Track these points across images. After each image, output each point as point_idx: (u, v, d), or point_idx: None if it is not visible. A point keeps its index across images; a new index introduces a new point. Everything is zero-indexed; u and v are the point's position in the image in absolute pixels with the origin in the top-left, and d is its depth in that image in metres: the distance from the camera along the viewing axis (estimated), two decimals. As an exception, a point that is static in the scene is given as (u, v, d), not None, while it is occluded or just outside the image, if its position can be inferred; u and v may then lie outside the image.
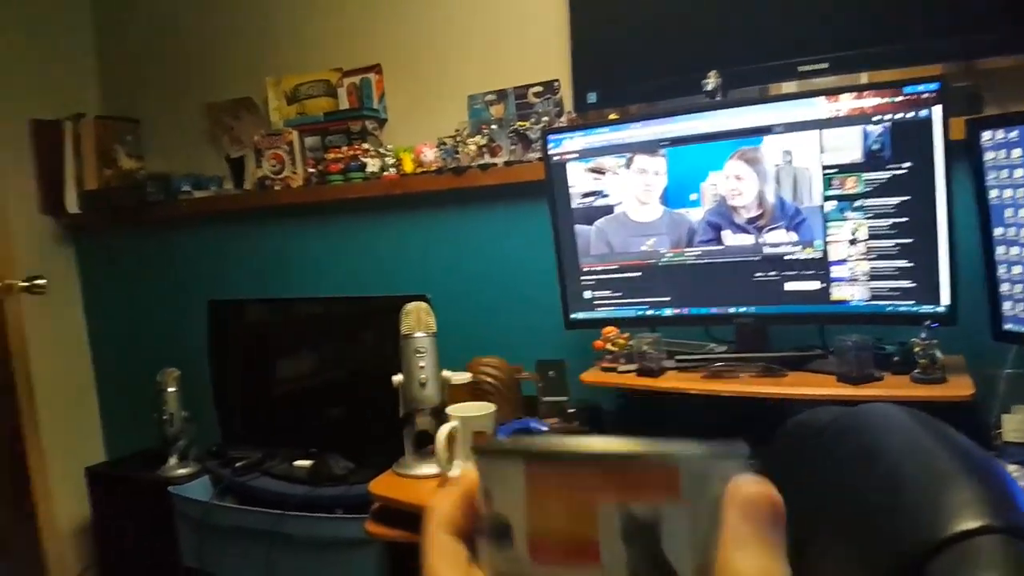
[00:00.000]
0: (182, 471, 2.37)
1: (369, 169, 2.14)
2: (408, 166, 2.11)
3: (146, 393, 2.41)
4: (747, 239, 1.58)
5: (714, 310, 1.65)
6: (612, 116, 1.84)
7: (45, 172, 2.66)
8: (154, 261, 2.73)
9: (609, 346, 1.67)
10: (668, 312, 1.69)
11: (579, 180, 1.73)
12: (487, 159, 2.00)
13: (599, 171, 1.70)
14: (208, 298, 2.41)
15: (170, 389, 2.44)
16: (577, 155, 1.72)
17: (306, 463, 2.05)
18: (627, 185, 1.68)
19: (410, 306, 1.61)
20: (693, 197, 1.62)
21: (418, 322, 1.60)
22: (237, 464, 2.07)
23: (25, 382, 2.68)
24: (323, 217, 2.34)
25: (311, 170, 2.26)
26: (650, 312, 1.71)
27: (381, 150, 2.15)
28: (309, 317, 2.29)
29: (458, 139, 2.02)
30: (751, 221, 1.57)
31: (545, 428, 1.76)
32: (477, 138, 2.01)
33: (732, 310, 1.62)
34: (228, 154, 2.58)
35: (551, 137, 1.75)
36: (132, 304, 2.81)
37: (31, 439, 2.70)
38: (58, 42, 2.74)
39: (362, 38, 2.29)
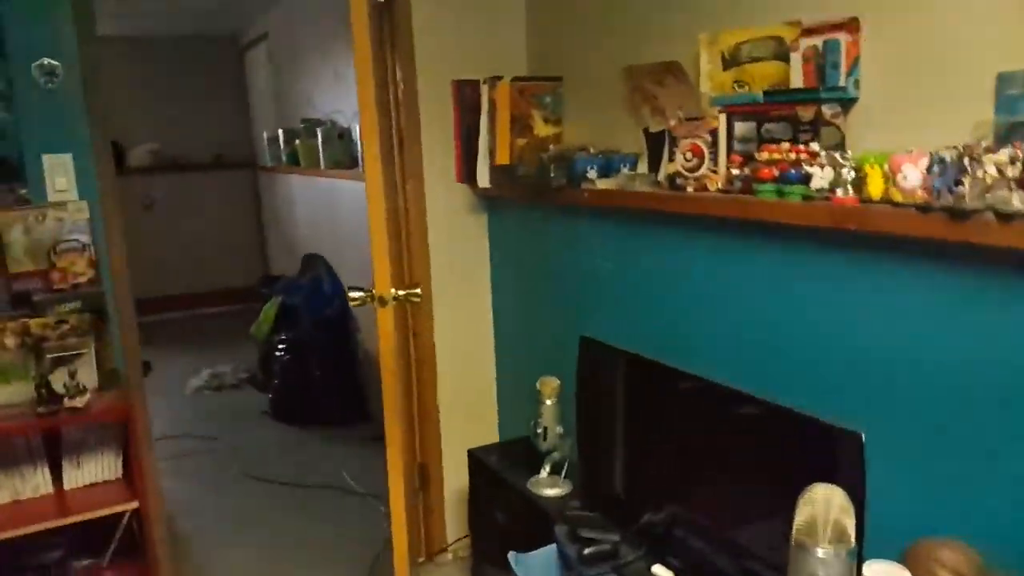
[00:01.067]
0: (550, 492, 2.13)
1: (815, 184, 1.42)
2: (875, 187, 1.34)
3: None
4: None
5: None
6: None
7: (463, 139, 2.51)
8: (557, 244, 2.41)
9: None
10: None
11: None
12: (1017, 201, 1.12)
13: None
14: (584, 314, 2.01)
15: (547, 401, 2.17)
16: None
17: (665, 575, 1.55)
18: None
19: (818, 493, 0.95)
20: None
21: (825, 524, 0.93)
22: (586, 551, 1.66)
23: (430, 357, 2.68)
24: (744, 242, 1.70)
25: (735, 171, 1.62)
26: None
27: (839, 155, 1.40)
28: (692, 394, 1.70)
29: (968, 155, 1.18)
30: None
31: None
32: (1003, 155, 1.15)
33: None
34: (647, 127, 2.07)
35: None
36: (532, 284, 2.56)
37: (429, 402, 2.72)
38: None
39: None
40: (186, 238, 6.33)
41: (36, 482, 2.06)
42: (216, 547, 2.97)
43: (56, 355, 2.03)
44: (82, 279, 2.16)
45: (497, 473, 2.33)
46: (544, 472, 2.20)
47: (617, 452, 1.88)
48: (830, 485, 1.04)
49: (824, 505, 0.98)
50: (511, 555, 1.76)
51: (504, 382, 2.81)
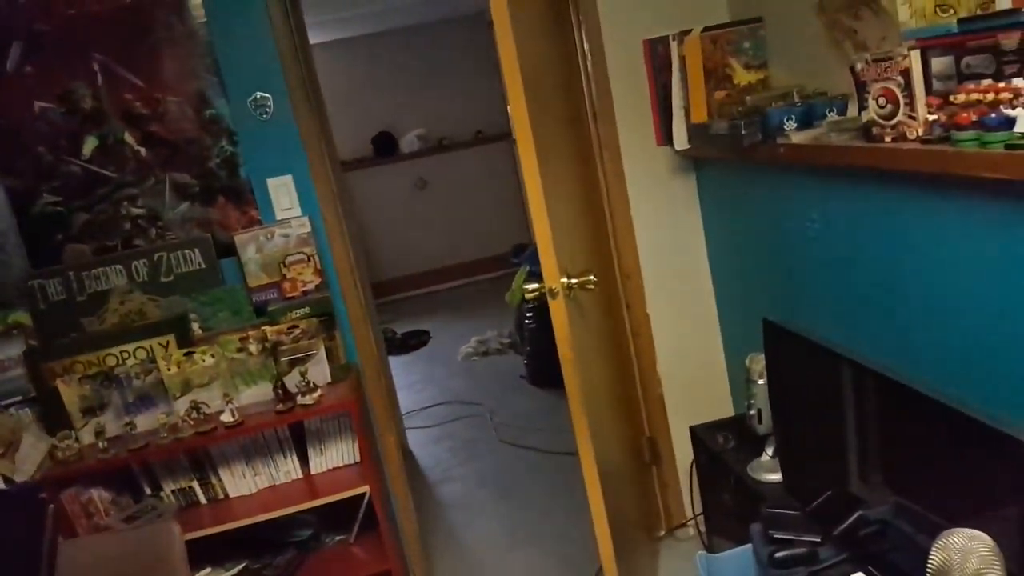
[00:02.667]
0: (770, 477, 1.96)
1: (1020, 128, 1.04)
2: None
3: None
4: None
5: None
6: None
7: (659, 100, 2.30)
8: (760, 207, 2.12)
9: None
10: None
11: None
12: None
13: None
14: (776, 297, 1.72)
15: (760, 381, 1.95)
16: None
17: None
18: None
19: (956, 540, 0.77)
20: None
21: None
22: (777, 555, 1.46)
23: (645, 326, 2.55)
24: (947, 201, 1.33)
25: (932, 116, 1.25)
26: None
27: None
28: (892, 400, 1.38)
29: None
30: None
31: None
32: None
33: None
34: (853, 65, 1.71)
35: None
36: (742, 252, 2.30)
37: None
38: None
39: None
40: (456, 212, 6.76)
41: (287, 468, 2.35)
42: (468, 513, 3.17)
43: (290, 357, 2.28)
44: (310, 286, 2.39)
45: (717, 454, 2.18)
46: (766, 455, 2.00)
47: (817, 445, 1.62)
48: (976, 533, 0.81)
49: (961, 556, 0.75)
50: (699, 556, 1.62)
51: (733, 353, 2.59)
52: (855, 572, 1.40)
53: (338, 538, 2.44)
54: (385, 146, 6.64)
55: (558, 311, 1.83)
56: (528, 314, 4.35)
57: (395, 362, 4.79)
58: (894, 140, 1.37)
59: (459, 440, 3.90)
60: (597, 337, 2.32)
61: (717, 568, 1.58)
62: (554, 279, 1.82)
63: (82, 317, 2.30)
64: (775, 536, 1.50)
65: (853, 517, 1.45)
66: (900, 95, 1.32)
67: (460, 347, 5.19)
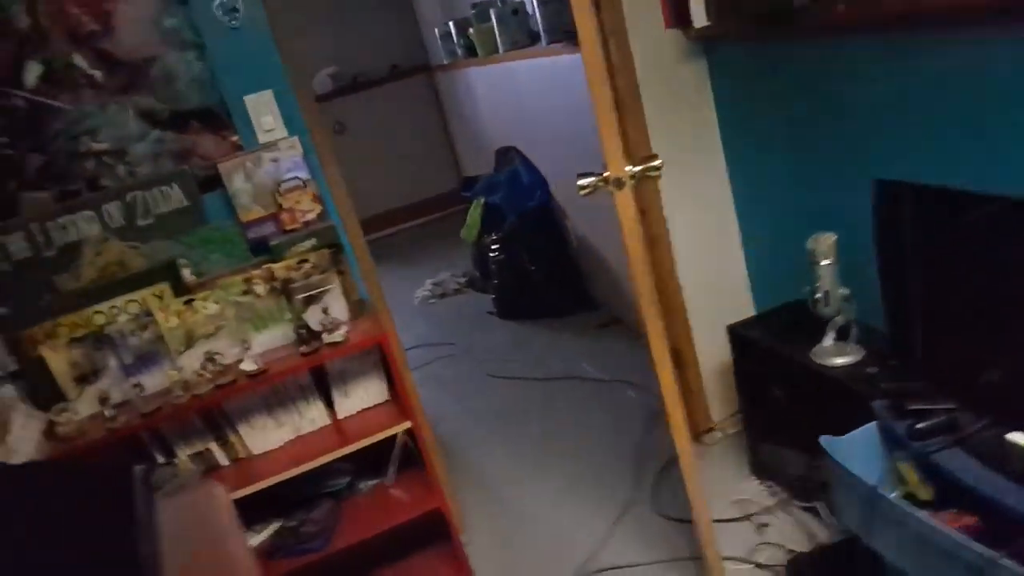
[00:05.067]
0: (839, 360, 1.89)
1: None
2: None
3: (797, 242, 1.91)
4: None
5: None
6: None
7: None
8: (806, 84, 2.03)
9: None
10: None
11: None
12: None
13: None
14: (876, 149, 1.65)
15: (824, 262, 1.89)
16: None
17: (1029, 444, 1.27)
18: None
19: None
20: None
21: None
22: (919, 425, 1.41)
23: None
24: None
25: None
26: None
27: None
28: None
29: None
30: None
31: None
32: None
33: None
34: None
35: None
36: (774, 138, 2.21)
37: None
38: None
39: None
40: (380, 155, 6.43)
41: (313, 415, 2.14)
42: (477, 447, 3.05)
43: (305, 295, 2.05)
44: (311, 215, 2.14)
45: (769, 347, 2.11)
46: (828, 339, 1.95)
47: (936, 308, 1.57)
48: None
49: None
50: (824, 439, 1.55)
51: (754, 251, 2.53)
52: (1009, 432, 1.33)
53: (373, 482, 2.27)
54: (295, 91, 6.20)
55: (625, 204, 1.69)
56: (493, 247, 4.19)
57: (352, 312, 4.53)
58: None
59: (441, 381, 3.75)
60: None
61: (842, 451, 1.52)
62: (619, 167, 1.67)
63: (55, 275, 1.98)
64: (909, 408, 1.44)
65: (987, 377, 1.39)
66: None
67: (415, 292, 4.99)
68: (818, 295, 1.90)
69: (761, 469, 2.39)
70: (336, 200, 2.22)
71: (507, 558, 2.37)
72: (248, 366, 1.94)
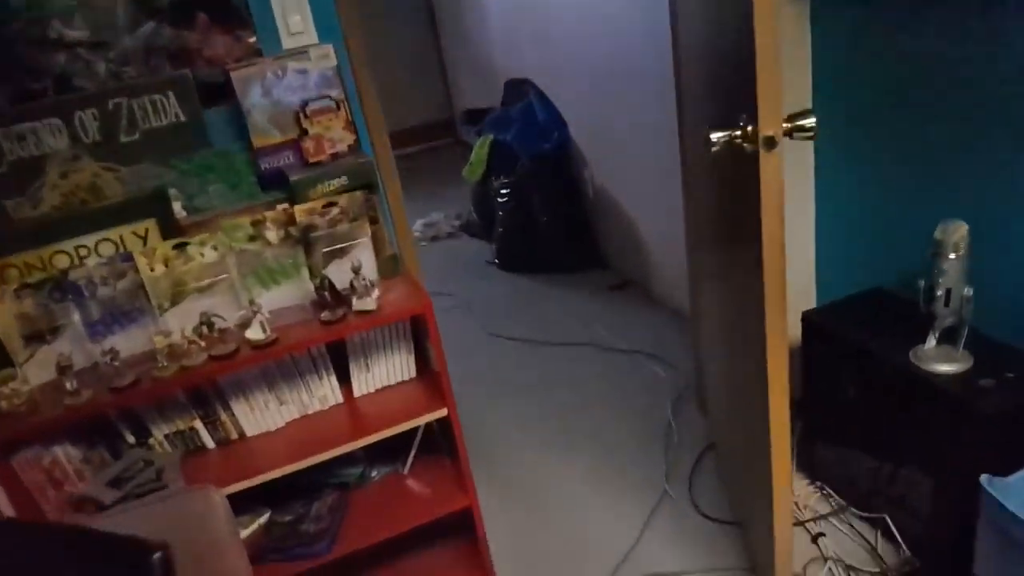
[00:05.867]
0: (945, 368, 1.63)
1: None
2: None
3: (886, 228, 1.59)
4: None
5: None
6: None
7: None
8: (932, 49, 1.65)
9: None
10: None
11: None
12: None
13: None
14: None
15: (951, 256, 1.58)
16: None
17: None
18: None
19: None
20: None
21: None
22: None
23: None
24: None
25: None
26: None
27: None
28: None
29: None
30: None
31: None
32: None
33: None
34: None
35: None
36: (887, 108, 1.85)
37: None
38: None
39: None
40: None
41: (323, 393, 1.76)
42: (484, 422, 2.71)
43: (329, 248, 1.64)
44: (341, 146, 1.72)
45: (853, 340, 1.83)
46: (931, 341, 1.67)
47: None
48: None
49: None
50: (985, 479, 1.26)
51: (826, 232, 2.20)
52: None
53: (386, 470, 1.91)
54: None
55: (773, 169, 1.32)
56: (503, 191, 3.77)
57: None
58: None
59: (444, 336, 3.37)
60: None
61: (1007, 492, 1.23)
62: (776, 122, 1.29)
63: (5, 199, 1.52)
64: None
65: None
66: None
67: (401, 230, 4.55)
68: (939, 292, 1.60)
69: (812, 468, 2.15)
70: (371, 130, 1.79)
71: (529, 558, 2.07)
72: (255, 334, 1.53)
